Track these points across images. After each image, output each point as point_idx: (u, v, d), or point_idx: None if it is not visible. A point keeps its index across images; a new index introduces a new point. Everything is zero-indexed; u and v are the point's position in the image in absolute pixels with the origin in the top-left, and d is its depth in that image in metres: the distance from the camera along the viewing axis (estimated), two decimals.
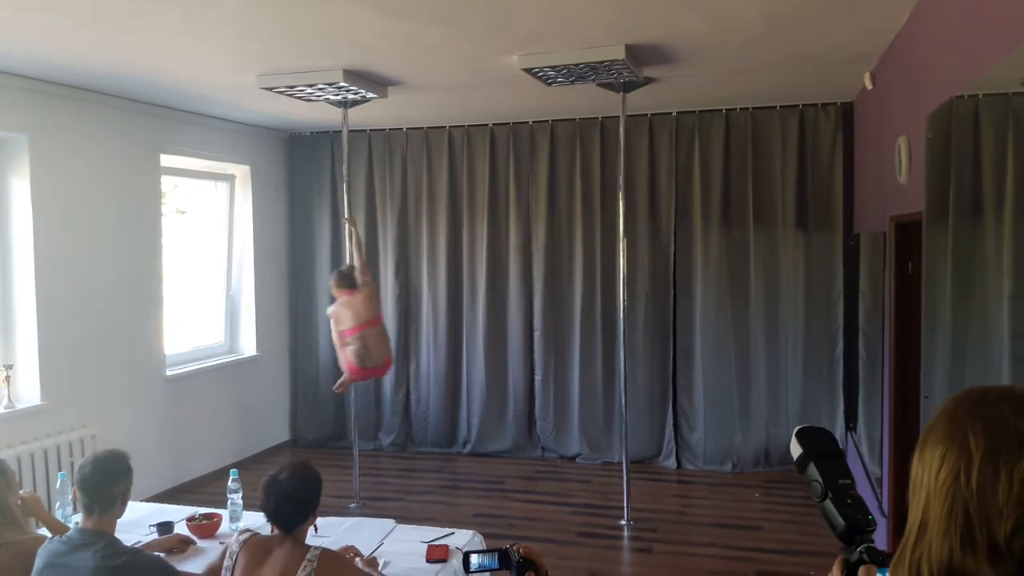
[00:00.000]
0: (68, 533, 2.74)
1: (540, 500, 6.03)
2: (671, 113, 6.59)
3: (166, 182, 6.36)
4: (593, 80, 4.88)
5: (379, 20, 3.81)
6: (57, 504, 3.58)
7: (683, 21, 3.91)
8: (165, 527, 3.48)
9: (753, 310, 6.53)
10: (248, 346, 7.17)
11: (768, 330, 6.51)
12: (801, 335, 6.45)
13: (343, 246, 6.23)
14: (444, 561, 3.13)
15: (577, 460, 6.95)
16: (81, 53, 4.37)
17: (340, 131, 5.79)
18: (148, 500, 4.76)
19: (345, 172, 5.94)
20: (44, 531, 3.24)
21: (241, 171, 7.07)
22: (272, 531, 2.69)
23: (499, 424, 7.18)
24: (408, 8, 3.63)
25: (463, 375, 7.28)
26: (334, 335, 5.61)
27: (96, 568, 2.58)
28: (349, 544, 3.15)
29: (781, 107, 6.38)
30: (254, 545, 2.65)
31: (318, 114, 6.20)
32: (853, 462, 5.83)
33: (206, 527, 3.47)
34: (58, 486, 3.63)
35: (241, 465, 6.43)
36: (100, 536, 2.67)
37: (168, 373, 6.16)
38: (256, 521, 3.27)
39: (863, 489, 5.11)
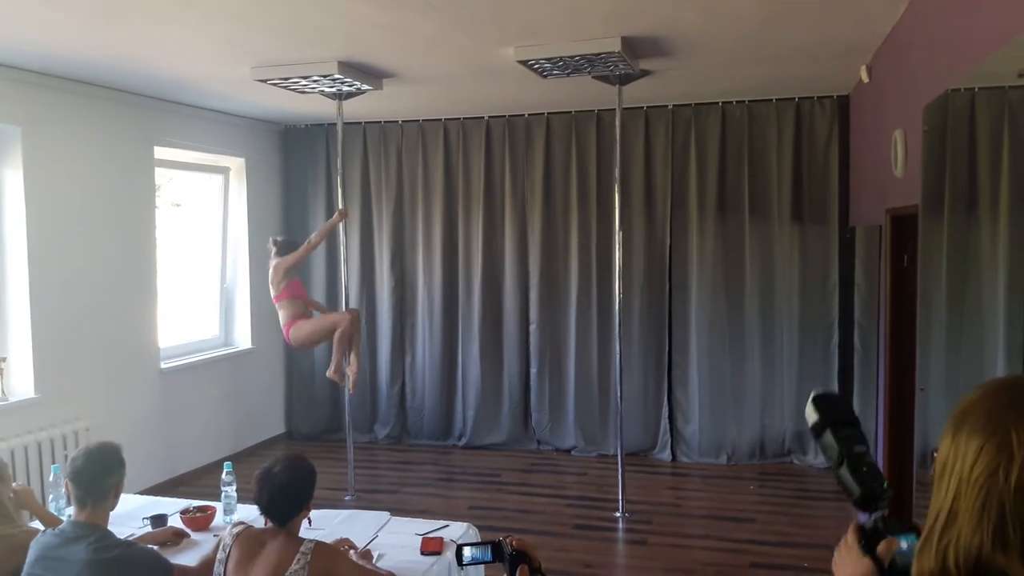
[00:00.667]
0: (61, 526, 2.73)
1: (535, 493, 6.03)
2: (667, 106, 6.58)
3: (160, 175, 6.33)
4: (589, 72, 4.86)
5: (373, 11, 3.79)
6: (50, 497, 3.57)
7: (679, 13, 3.90)
8: (159, 520, 3.47)
9: (748, 303, 6.53)
10: (243, 339, 7.15)
11: (763, 323, 6.51)
12: (796, 327, 6.45)
13: (338, 238, 6.22)
14: (439, 553, 3.13)
15: (572, 453, 6.96)
16: (74, 44, 4.34)
17: (335, 123, 5.77)
18: (142, 493, 4.74)
19: (340, 165, 5.91)
20: (37, 524, 3.23)
21: (236, 163, 7.05)
22: (266, 524, 2.68)
23: (495, 417, 7.18)
24: None
25: (458, 368, 7.28)
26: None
27: (89, 561, 2.57)
28: (343, 537, 3.14)
29: (777, 100, 6.37)
30: (247, 538, 2.64)
31: (313, 106, 6.18)
32: None
33: (200, 520, 3.46)
34: (51, 479, 3.62)
35: (236, 458, 6.41)
36: (93, 529, 2.66)
37: (163, 366, 6.14)
38: (250, 514, 3.26)
39: None
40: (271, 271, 5.65)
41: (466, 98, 6.21)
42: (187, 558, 3.05)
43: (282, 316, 5.74)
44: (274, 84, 5.13)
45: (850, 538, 1.24)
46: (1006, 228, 2.38)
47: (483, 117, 7.01)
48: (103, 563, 2.59)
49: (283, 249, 5.64)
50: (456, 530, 3.37)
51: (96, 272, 5.51)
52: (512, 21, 3.99)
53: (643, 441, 6.79)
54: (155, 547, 3.05)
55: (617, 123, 5.41)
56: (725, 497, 5.84)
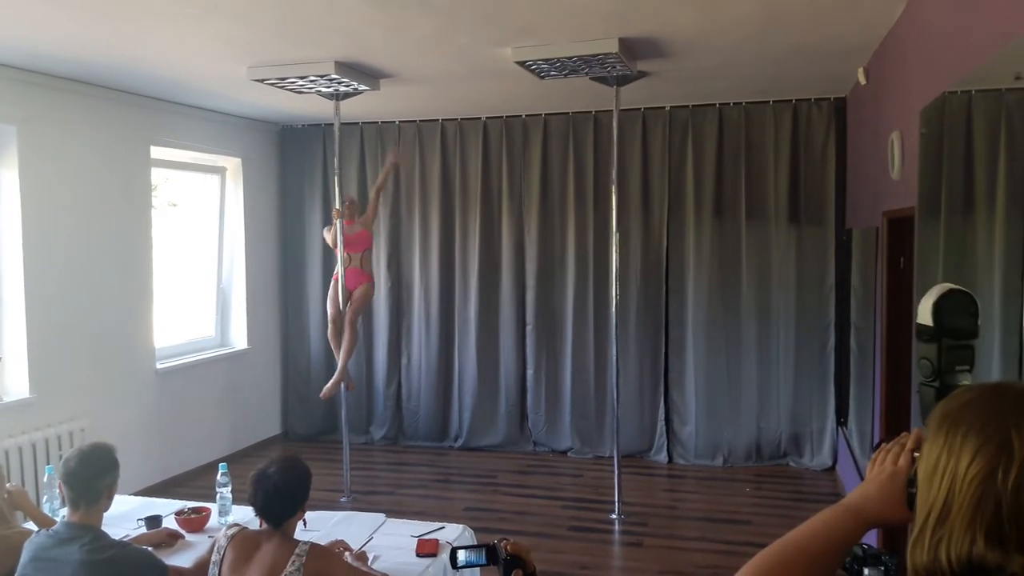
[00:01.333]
0: (54, 527, 2.72)
1: (531, 494, 6.02)
2: (664, 107, 6.58)
3: (157, 174, 6.32)
4: (586, 74, 4.86)
5: (371, 11, 3.78)
6: (45, 498, 3.56)
7: (676, 14, 3.90)
8: (153, 521, 3.46)
9: (745, 305, 6.53)
10: (239, 339, 7.14)
11: (760, 325, 6.51)
12: (793, 330, 6.45)
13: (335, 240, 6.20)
14: (434, 555, 3.12)
15: (569, 454, 6.95)
16: (71, 43, 4.33)
17: (332, 124, 5.76)
18: (137, 494, 4.73)
19: (337, 165, 5.89)
20: (31, 525, 3.22)
21: (232, 164, 7.03)
22: (261, 525, 2.67)
23: (491, 418, 7.17)
24: None
25: (455, 369, 7.27)
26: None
27: (83, 562, 2.57)
28: (339, 538, 3.14)
29: (774, 102, 6.37)
30: (242, 540, 2.63)
31: (310, 106, 6.17)
32: (844, 457, 5.85)
33: (195, 521, 3.45)
34: (46, 479, 3.61)
35: (231, 459, 6.39)
36: (87, 530, 2.65)
37: (158, 366, 6.13)
38: (245, 515, 3.25)
39: (854, 483, 5.12)
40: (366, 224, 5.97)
41: (463, 99, 6.20)
42: (182, 559, 3.04)
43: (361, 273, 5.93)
44: (271, 84, 5.12)
45: (911, 444, 1.20)
46: (1002, 231, 2.38)
47: (480, 118, 7.01)
48: (97, 564, 2.58)
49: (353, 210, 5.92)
50: (452, 532, 3.37)
51: (92, 272, 5.49)
52: (510, 22, 3.98)
53: (639, 443, 6.78)
54: (150, 548, 3.04)
55: (614, 124, 5.41)
56: (721, 499, 5.84)
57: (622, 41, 4.30)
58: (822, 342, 6.40)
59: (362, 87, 5.22)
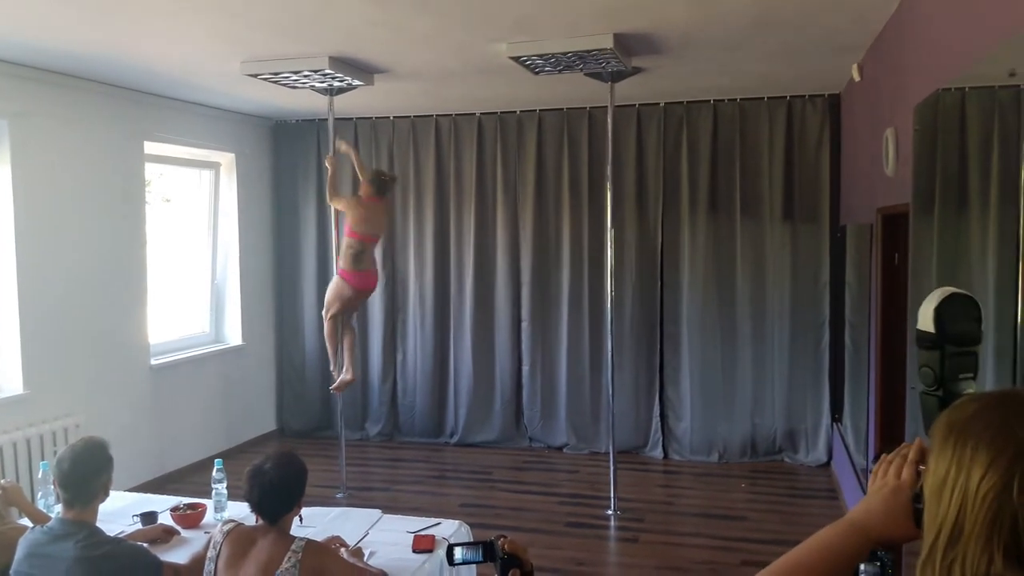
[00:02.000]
0: (49, 523, 2.71)
1: (527, 490, 6.03)
2: (659, 103, 6.58)
3: (151, 170, 6.30)
4: (581, 69, 4.86)
5: (365, 6, 3.77)
6: (39, 494, 3.55)
7: (671, 10, 3.89)
8: (149, 517, 3.46)
9: (740, 301, 6.54)
10: (233, 335, 7.13)
11: (754, 321, 6.53)
12: (787, 326, 6.47)
13: (329, 235, 6.20)
14: (430, 551, 3.12)
15: (564, 450, 6.96)
16: (64, 37, 4.31)
17: (326, 119, 5.75)
18: (132, 490, 4.72)
19: None
20: (25, 521, 3.21)
21: (226, 159, 7.01)
22: (257, 521, 2.67)
23: (486, 414, 7.18)
24: None
25: (450, 365, 7.27)
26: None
27: (77, 558, 2.56)
28: (334, 534, 3.14)
29: (769, 98, 6.38)
30: (238, 536, 2.63)
31: (304, 102, 6.16)
32: (839, 453, 5.87)
33: (190, 517, 3.45)
34: (40, 476, 3.60)
35: (226, 455, 6.39)
36: (81, 526, 2.64)
37: (153, 362, 6.12)
38: (241, 511, 3.25)
39: (849, 479, 5.14)
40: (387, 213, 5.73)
41: (458, 94, 6.20)
42: (177, 556, 3.04)
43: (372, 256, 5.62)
44: (265, 79, 5.10)
45: (913, 455, 1.14)
46: (996, 228, 2.38)
47: (475, 114, 7.00)
48: (91, 560, 2.58)
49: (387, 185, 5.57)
50: (448, 528, 3.37)
51: (86, 267, 5.48)
52: (504, 17, 3.98)
53: (635, 439, 6.80)
54: (145, 544, 3.04)
55: (609, 120, 5.41)
56: (716, 495, 5.85)
57: (617, 37, 4.30)
58: (817, 338, 6.41)
59: (356, 82, 5.21)
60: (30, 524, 2.89)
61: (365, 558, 3.00)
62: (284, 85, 5.30)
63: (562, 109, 6.81)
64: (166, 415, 6.23)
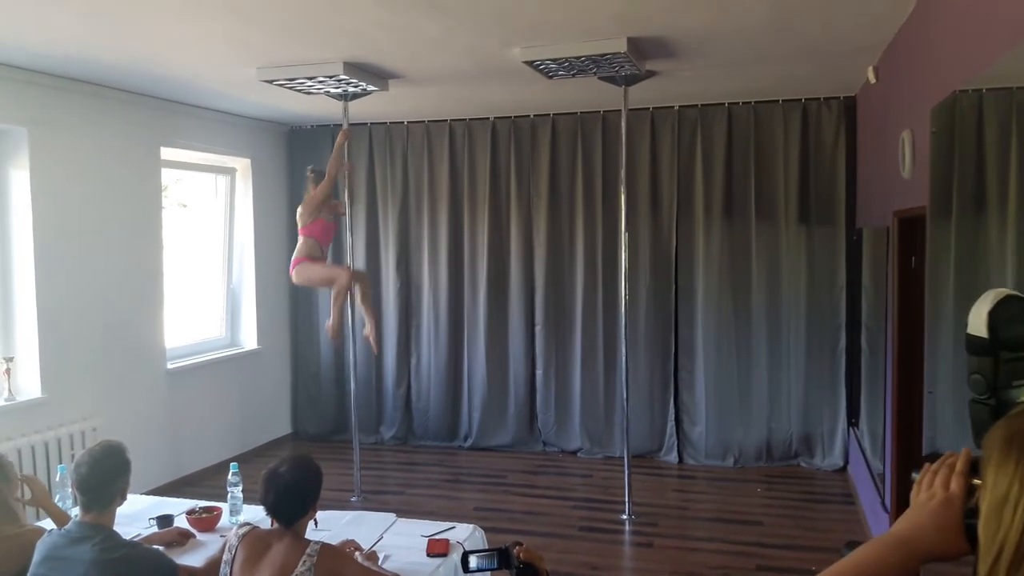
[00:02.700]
0: (67, 526, 2.73)
1: (541, 494, 6.02)
2: (673, 107, 6.57)
3: (167, 175, 6.35)
4: (595, 73, 4.86)
5: (379, 11, 3.79)
6: (57, 497, 3.58)
7: (686, 14, 3.89)
8: (165, 520, 3.48)
9: (755, 305, 6.51)
10: (249, 339, 7.16)
11: (770, 325, 6.49)
12: (803, 330, 6.43)
13: (344, 238, 6.22)
14: (445, 555, 3.12)
15: (578, 454, 6.95)
16: (81, 44, 4.35)
17: (340, 124, 5.77)
18: (148, 493, 4.75)
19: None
20: (42, 523, 3.23)
21: (242, 164, 7.06)
22: (272, 525, 2.68)
23: (500, 418, 7.17)
24: None
25: (464, 369, 7.27)
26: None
27: (95, 561, 2.58)
28: (349, 538, 3.15)
29: (784, 101, 6.35)
30: (253, 539, 2.64)
31: (319, 107, 6.19)
32: (855, 457, 5.82)
33: (206, 520, 3.46)
34: (58, 479, 3.63)
35: (242, 458, 6.41)
36: (99, 529, 2.66)
37: (169, 366, 6.15)
38: (256, 515, 3.26)
39: (865, 484, 5.10)
40: (302, 204, 5.71)
41: (472, 99, 6.21)
42: (193, 559, 3.05)
43: (296, 250, 5.73)
44: (280, 85, 5.13)
45: (961, 466, 1.06)
46: (1015, 230, 2.36)
47: (488, 118, 7.01)
48: (109, 563, 2.59)
49: (317, 180, 5.68)
50: (462, 532, 3.37)
51: (103, 272, 5.52)
52: (518, 21, 3.98)
53: (649, 443, 6.77)
54: (161, 548, 3.06)
55: (623, 124, 5.40)
56: (732, 500, 5.82)
57: (631, 40, 4.30)
58: (833, 342, 6.37)
59: (371, 88, 5.23)
60: (46, 526, 2.91)
61: (380, 562, 3.01)
62: (299, 91, 5.33)
63: (576, 113, 6.80)
64: (182, 419, 6.26)
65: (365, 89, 5.28)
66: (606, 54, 4.37)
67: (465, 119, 7.07)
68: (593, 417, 6.93)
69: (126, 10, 3.71)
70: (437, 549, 3.15)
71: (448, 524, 3.44)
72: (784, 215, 6.43)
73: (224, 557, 2.66)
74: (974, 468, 1.04)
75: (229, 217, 7.08)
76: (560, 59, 4.48)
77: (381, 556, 3.07)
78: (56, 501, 3.55)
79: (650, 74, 5.10)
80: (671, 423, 6.73)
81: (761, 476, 6.31)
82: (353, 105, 5.70)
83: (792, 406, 6.50)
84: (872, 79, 4.98)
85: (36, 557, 2.66)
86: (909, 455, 3.95)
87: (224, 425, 6.75)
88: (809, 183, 6.39)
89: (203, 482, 6.22)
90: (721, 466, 6.56)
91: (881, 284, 4.60)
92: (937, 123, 2.95)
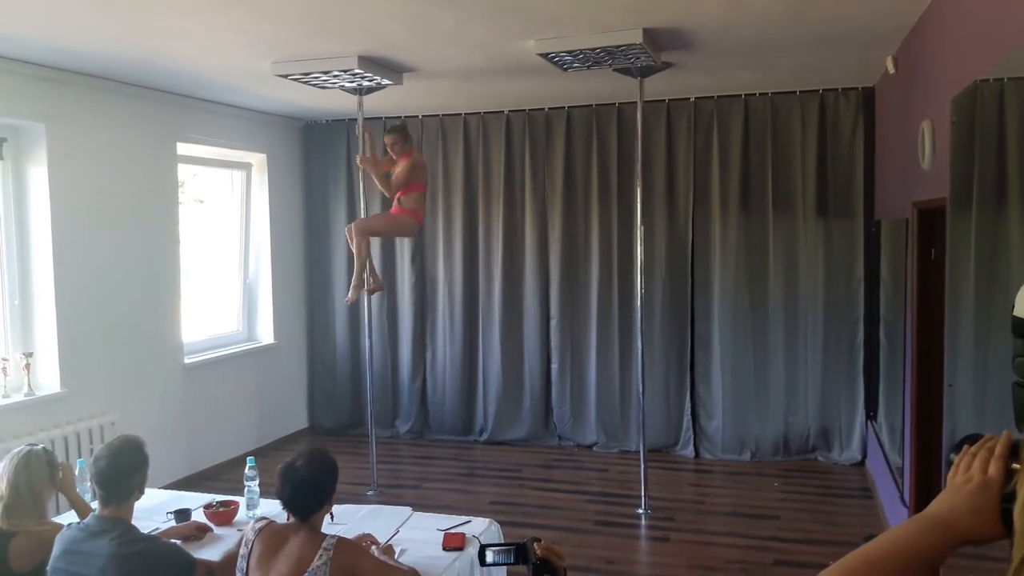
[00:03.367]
0: (85, 520, 2.76)
1: (557, 488, 6.02)
2: (689, 98, 6.53)
3: (183, 171, 6.38)
4: (610, 65, 4.82)
5: (394, 4, 3.78)
6: (76, 491, 3.60)
7: (701, 4, 3.85)
8: (182, 514, 3.50)
9: (772, 298, 6.46)
10: (265, 334, 7.19)
11: (787, 318, 6.45)
12: (820, 323, 6.38)
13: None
14: (461, 549, 3.12)
15: (594, 449, 6.94)
16: (97, 40, 4.37)
17: (355, 119, 5.77)
18: (166, 487, 4.78)
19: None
20: (60, 519, 3.26)
21: (257, 159, 7.08)
22: (288, 519, 2.68)
23: (515, 412, 7.17)
24: None
25: (479, 363, 7.27)
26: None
27: (113, 555, 2.60)
28: (366, 532, 3.15)
29: (801, 92, 6.30)
30: (270, 533, 2.65)
31: (333, 101, 6.19)
32: (874, 452, 5.78)
33: (223, 514, 3.48)
34: (77, 472, 3.65)
35: (259, 452, 6.46)
36: (117, 523, 2.68)
37: (186, 361, 6.19)
38: (273, 508, 3.27)
39: (884, 478, 5.06)
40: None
41: (486, 92, 6.19)
42: (210, 553, 3.07)
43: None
44: (295, 79, 5.14)
45: (1000, 449, 1.04)
46: None
47: (503, 111, 6.99)
48: (127, 557, 2.61)
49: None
50: (478, 526, 3.37)
51: (120, 267, 5.56)
52: (532, 13, 3.96)
53: (665, 437, 6.75)
54: (178, 541, 3.07)
55: (638, 116, 5.37)
56: (749, 494, 5.79)
57: (646, 32, 4.27)
58: (851, 335, 6.32)
59: (385, 82, 5.22)
60: (64, 523, 2.93)
61: (396, 556, 3.01)
62: (314, 85, 5.33)
63: (591, 105, 6.77)
64: (199, 413, 6.30)
65: (380, 83, 5.27)
66: (621, 46, 4.34)
67: (479, 112, 7.05)
68: (609, 411, 6.92)
69: (141, 5, 3.72)
70: (453, 543, 3.15)
71: (464, 518, 3.44)
72: (801, 207, 6.38)
73: (241, 551, 2.67)
74: (1014, 452, 1.02)
75: (245, 212, 7.11)
76: (575, 51, 4.46)
77: (397, 550, 3.07)
78: None
79: (666, 65, 5.06)
80: (687, 417, 6.70)
81: (778, 470, 6.27)
82: (368, 99, 5.70)
83: (809, 400, 6.45)
84: (891, 69, 4.92)
85: (55, 551, 2.68)
86: (928, 449, 3.91)
87: (241, 419, 6.78)
88: (827, 175, 6.33)
89: (220, 476, 6.25)
90: (738, 460, 6.53)
91: (900, 277, 4.55)
92: (958, 113, 2.91)
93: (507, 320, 7.13)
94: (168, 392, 6.01)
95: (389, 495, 5.77)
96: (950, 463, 1.08)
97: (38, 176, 5.02)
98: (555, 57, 4.60)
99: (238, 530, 3.23)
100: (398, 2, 3.74)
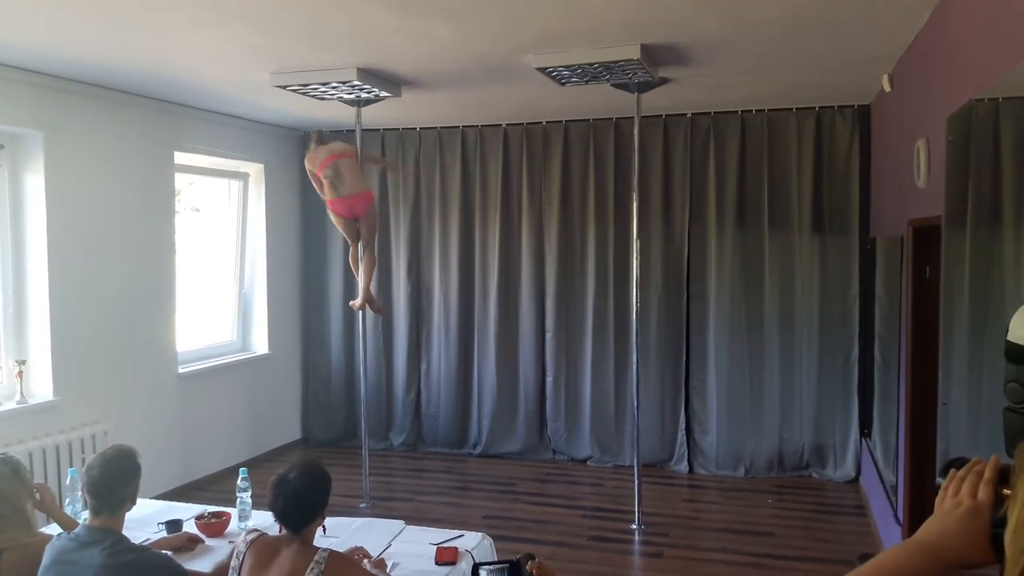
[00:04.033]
0: (76, 530, 2.74)
1: (550, 503, 6.00)
2: (686, 114, 6.55)
3: (180, 180, 6.37)
4: (608, 80, 4.85)
5: (393, 18, 3.79)
6: (67, 500, 3.59)
7: (699, 21, 3.88)
8: (174, 525, 3.48)
9: (767, 314, 6.47)
10: (260, 344, 7.18)
11: (782, 334, 6.45)
12: (816, 340, 6.38)
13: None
14: (453, 563, 3.11)
15: (588, 463, 6.92)
16: (95, 49, 4.38)
17: (353, 130, 5.78)
18: (158, 497, 4.76)
19: None
20: (50, 529, 3.24)
21: (255, 169, 7.08)
22: (280, 531, 2.67)
23: (510, 425, 7.16)
24: (422, 5, 3.62)
25: (474, 376, 7.26)
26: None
27: (103, 565, 2.58)
28: (358, 545, 3.14)
29: (797, 109, 6.33)
30: (262, 545, 2.63)
31: (332, 113, 6.20)
32: (868, 469, 5.77)
33: (215, 526, 3.46)
34: (68, 482, 3.63)
35: (251, 463, 6.43)
36: (108, 534, 2.66)
37: (180, 370, 6.17)
38: (265, 520, 3.26)
39: (877, 496, 5.05)
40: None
41: (484, 106, 6.21)
42: (201, 564, 3.05)
43: (353, 169, 5.52)
44: (293, 90, 5.15)
45: (989, 474, 1.04)
46: None
47: (501, 125, 7.01)
48: (117, 568, 2.59)
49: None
50: (471, 540, 3.35)
51: (116, 276, 5.54)
52: (531, 28, 3.98)
53: (660, 452, 6.74)
54: (169, 552, 3.06)
55: (635, 131, 5.39)
56: (743, 510, 5.78)
57: (644, 48, 4.29)
58: (846, 352, 6.33)
59: (384, 94, 5.24)
60: (55, 532, 2.91)
61: (388, 569, 2.99)
62: (312, 96, 5.34)
63: (588, 120, 6.80)
64: (192, 423, 6.27)
65: (378, 95, 5.29)
66: (619, 61, 4.36)
67: (477, 125, 7.07)
68: (603, 425, 6.91)
69: (141, 16, 3.73)
70: (445, 557, 3.14)
71: (457, 532, 3.43)
72: (797, 224, 6.39)
73: (232, 563, 2.65)
74: (1004, 477, 1.02)
75: (241, 222, 7.11)
76: (573, 66, 4.48)
77: (389, 564, 3.06)
78: (66, 505, 3.57)
79: (663, 81, 5.09)
80: (682, 432, 6.69)
81: (772, 487, 6.26)
82: (366, 111, 5.71)
83: (804, 416, 6.45)
84: (887, 87, 4.95)
85: (45, 561, 2.66)
86: (922, 467, 3.91)
87: (234, 430, 6.76)
88: (822, 192, 6.36)
89: (212, 487, 6.22)
90: (732, 476, 6.51)
91: (895, 294, 4.56)
92: (953, 132, 2.93)
93: (502, 333, 7.13)
94: (161, 401, 5.98)
95: (382, 508, 5.74)
96: (939, 487, 1.08)
97: (35, 184, 5.02)
98: (553, 72, 4.62)
99: (229, 542, 3.22)
100: (398, 16, 3.75)
